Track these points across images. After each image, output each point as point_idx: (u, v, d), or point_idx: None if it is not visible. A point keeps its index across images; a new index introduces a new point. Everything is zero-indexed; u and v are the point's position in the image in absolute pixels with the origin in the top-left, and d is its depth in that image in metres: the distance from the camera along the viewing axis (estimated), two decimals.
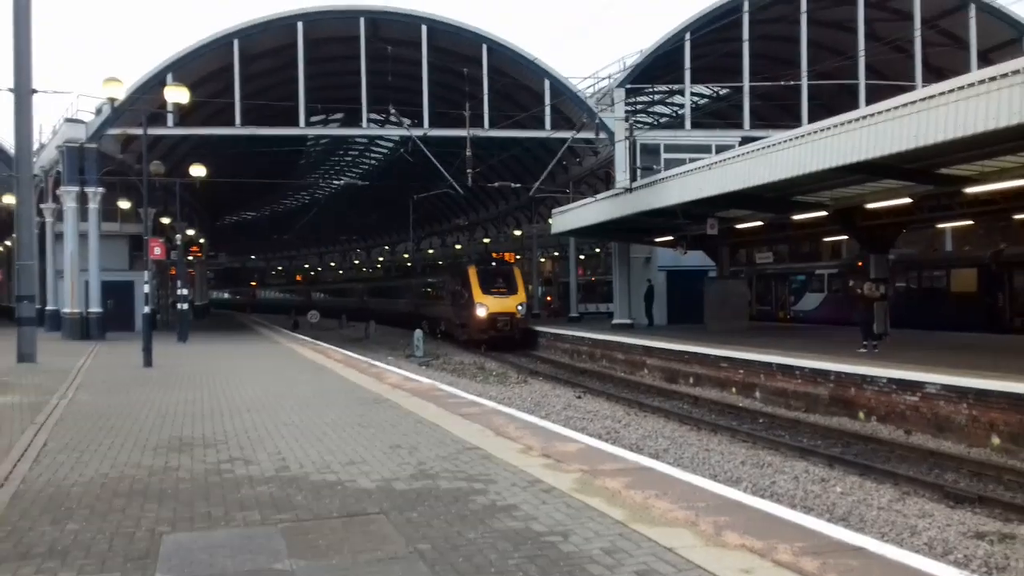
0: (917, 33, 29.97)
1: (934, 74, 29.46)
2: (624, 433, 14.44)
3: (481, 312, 32.96)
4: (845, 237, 29.85)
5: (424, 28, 31.35)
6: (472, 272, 34.32)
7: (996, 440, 12.41)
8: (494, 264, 35.99)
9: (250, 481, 7.37)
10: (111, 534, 5.80)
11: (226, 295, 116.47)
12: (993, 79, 12.07)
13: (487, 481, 7.23)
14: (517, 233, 54.14)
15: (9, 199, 29.98)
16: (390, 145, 54.86)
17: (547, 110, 31.48)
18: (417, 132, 31.15)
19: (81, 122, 30.75)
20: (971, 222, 26.16)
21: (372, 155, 65.96)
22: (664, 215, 24.69)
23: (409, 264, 75.42)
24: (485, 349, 32.67)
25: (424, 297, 46.34)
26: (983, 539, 8.20)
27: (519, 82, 33.06)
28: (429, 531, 5.79)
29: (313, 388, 14.75)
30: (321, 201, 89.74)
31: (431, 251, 79.59)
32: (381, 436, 9.55)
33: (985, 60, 28.37)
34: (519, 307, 33.68)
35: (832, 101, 29.83)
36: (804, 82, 31.04)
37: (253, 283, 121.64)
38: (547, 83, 31.66)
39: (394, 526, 5.93)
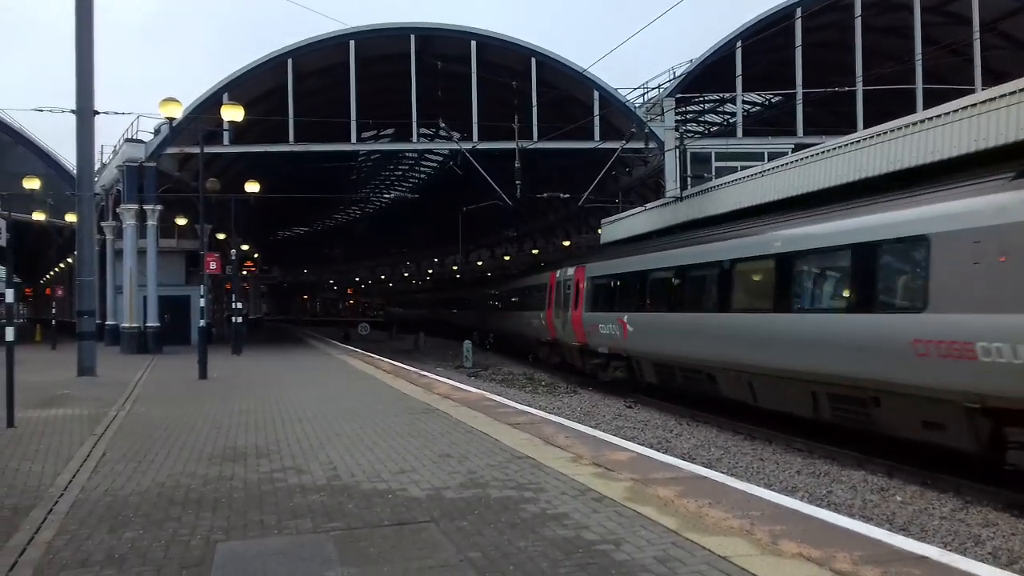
0: (976, 36, 29.28)
1: (994, 77, 28.76)
2: (676, 443, 14.22)
3: None
4: None
5: (474, 44, 31.65)
6: None
7: None
8: None
9: (302, 490, 7.42)
10: (167, 542, 5.87)
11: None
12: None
13: (537, 489, 7.17)
14: (566, 244, 54.11)
15: (71, 217, 30.90)
16: (440, 159, 55.34)
17: (596, 121, 31.42)
18: (467, 145, 31.34)
19: (141, 142, 31.61)
20: None
21: (422, 169, 66.61)
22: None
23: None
24: None
25: None
26: None
27: (568, 93, 33.07)
28: (480, 539, 5.76)
29: (364, 398, 14.85)
30: (372, 215, 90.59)
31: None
32: (431, 445, 9.55)
33: None
34: None
35: (889, 106, 29.27)
36: (859, 88, 30.53)
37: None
38: (596, 94, 31.63)
39: (444, 534, 5.90)
